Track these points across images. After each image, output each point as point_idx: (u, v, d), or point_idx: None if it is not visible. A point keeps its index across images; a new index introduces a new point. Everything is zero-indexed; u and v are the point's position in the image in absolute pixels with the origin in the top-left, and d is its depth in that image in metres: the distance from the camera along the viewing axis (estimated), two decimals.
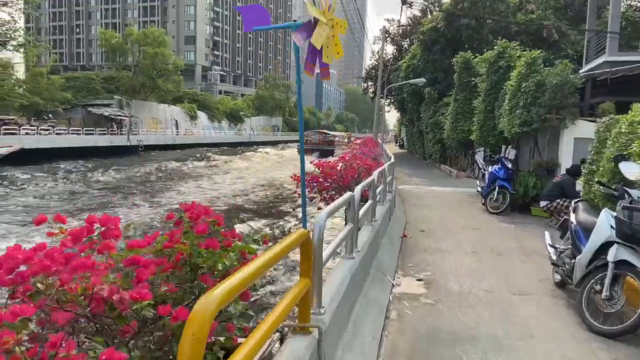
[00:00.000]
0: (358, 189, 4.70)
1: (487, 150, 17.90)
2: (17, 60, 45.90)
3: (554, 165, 10.27)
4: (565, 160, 10.07)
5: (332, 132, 55.84)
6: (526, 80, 10.57)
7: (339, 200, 4.04)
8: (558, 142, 10.50)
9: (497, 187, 10.53)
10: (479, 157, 18.57)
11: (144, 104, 54.78)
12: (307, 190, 7.82)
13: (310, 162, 8.50)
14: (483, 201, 11.76)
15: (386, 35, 37.46)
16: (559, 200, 8.86)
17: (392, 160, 10.53)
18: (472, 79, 16.38)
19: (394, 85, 29.42)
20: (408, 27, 36.79)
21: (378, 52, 35.21)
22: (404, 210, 10.69)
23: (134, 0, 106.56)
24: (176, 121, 60.70)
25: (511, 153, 11.50)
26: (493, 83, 13.47)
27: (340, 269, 3.88)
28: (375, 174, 6.03)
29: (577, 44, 22.92)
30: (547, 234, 5.88)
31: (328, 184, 7.54)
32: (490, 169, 11.47)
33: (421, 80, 21.91)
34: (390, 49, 44.67)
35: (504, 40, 14.05)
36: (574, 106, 10.11)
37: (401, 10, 37.50)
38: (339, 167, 7.99)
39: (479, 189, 11.90)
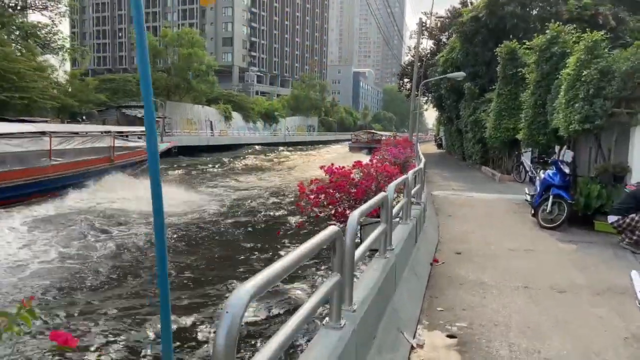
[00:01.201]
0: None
1: (535, 151, 15.93)
2: (58, 63, 46.63)
3: (623, 170, 8.37)
4: (638, 165, 8.19)
5: (379, 132, 59.83)
6: (587, 67, 8.71)
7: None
8: (628, 143, 8.59)
9: (551, 196, 8.71)
10: (526, 159, 16.63)
11: (178, 105, 54.62)
12: (308, 205, 6.47)
13: (320, 168, 7.06)
14: (533, 212, 9.93)
15: (423, 28, 35.47)
16: (633, 215, 7.03)
17: (422, 164, 8.86)
18: (519, 69, 14.44)
19: (430, 80, 27.50)
20: (447, 20, 34.67)
21: (414, 47, 33.31)
22: (437, 223, 9.03)
23: (174, 3, 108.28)
24: (211, 122, 60.38)
25: (567, 155, 9.64)
26: (544, 73, 11.59)
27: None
28: (391, 188, 4.46)
29: (637, 32, 20.43)
30: (635, 274, 4.16)
31: (338, 198, 6.07)
32: (542, 174, 9.65)
33: (460, 74, 20.01)
34: (427, 44, 42.62)
35: (557, 23, 12.11)
36: None
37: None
38: (353, 176, 6.50)
39: (528, 197, 10.08)
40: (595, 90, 8.46)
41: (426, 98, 44.50)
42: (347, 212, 6.08)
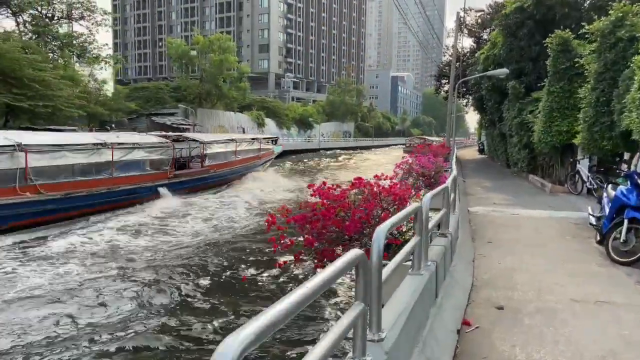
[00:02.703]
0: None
1: (593, 158, 13.55)
2: (89, 71, 46.88)
3: None
4: None
5: (430, 138, 63.40)
6: None
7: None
8: None
9: (626, 221, 6.55)
10: (583, 167, 14.23)
11: (210, 112, 54.07)
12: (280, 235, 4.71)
13: (308, 187, 5.28)
14: (599, 238, 7.76)
15: (463, 25, 33.09)
16: None
17: (451, 180, 6.81)
18: (576, 60, 12.16)
19: (468, 78, 25.19)
20: (488, 16, 32.16)
21: (452, 45, 30.98)
22: (473, 256, 7.00)
23: (212, 12, 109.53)
24: (243, 129, 59.54)
25: None
26: (608, 63, 9.37)
27: None
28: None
29: None
30: None
31: (323, 233, 4.23)
32: (610, 190, 7.47)
33: (503, 71, 17.73)
34: (467, 42, 40.15)
35: (622, 2, 9.83)
36: None
37: None
38: (348, 199, 4.65)
39: (593, 219, 7.90)
40: None
41: (466, 100, 41.92)
42: (338, 251, 4.26)
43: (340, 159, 54.32)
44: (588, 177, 13.82)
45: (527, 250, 7.40)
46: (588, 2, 18.90)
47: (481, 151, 43.74)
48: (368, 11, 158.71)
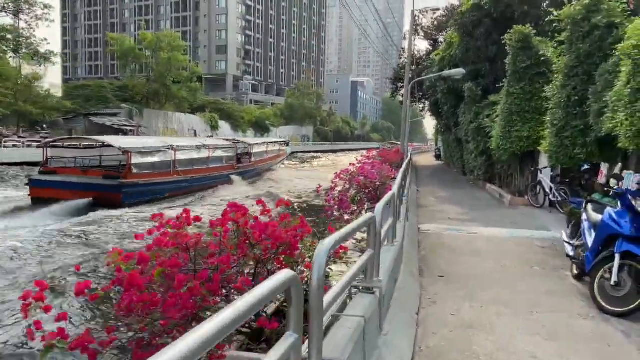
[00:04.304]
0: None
1: (556, 168, 12.17)
2: (39, 70, 43.12)
3: None
4: None
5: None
6: None
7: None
8: None
9: (617, 256, 4.90)
10: (545, 177, 12.84)
11: (158, 113, 51.03)
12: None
13: (152, 218, 3.39)
14: (576, 271, 6.15)
15: (418, 26, 31.91)
16: None
17: (386, 200, 4.93)
18: (541, 54, 10.71)
19: (422, 78, 23.83)
20: (444, 18, 31.06)
21: (407, 46, 29.64)
22: (418, 305, 5.17)
23: (167, 11, 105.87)
24: (195, 131, 56.73)
25: (629, 178, 5.80)
26: (582, 56, 7.84)
27: None
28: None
29: None
30: None
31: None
32: (591, 212, 5.83)
33: (459, 72, 16.27)
34: (423, 45, 39.13)
35: None
36: None
37: None
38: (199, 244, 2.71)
39: (569, 248, 6.24)
40: None
41: (422, 105, 40.86)
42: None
43: (318, 162, 53.63)
44: (551, 188, 12.43)
45: (488, 291, 5.64)
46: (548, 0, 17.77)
47: (438, 157, 42.84)
48: (329, 16, 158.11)
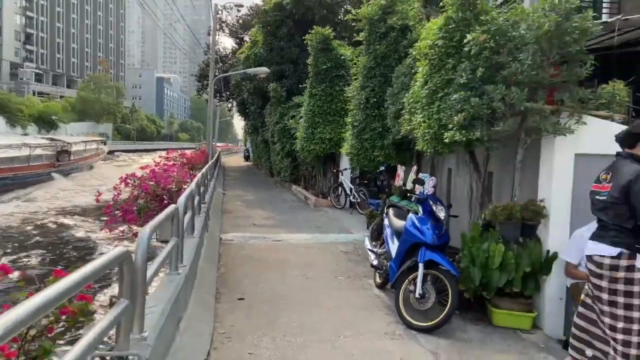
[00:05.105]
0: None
1: (356, 169, 12.44)
2: None
3: (536, 215, 4.68)
4: (559, 201, 4.59)
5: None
6: (465, 31, 4.92)
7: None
8: (535, 163, 4.97)
9: (421, 266, 4.62)
10: (346, 179, 13.09)
11: None
12: None
13: None
14: (379, 280, 5.87)
15: (223, 23, 30.95)
16: None
17: (144, 230, 3.86)
18: (341, 54, 10.68)
19: (227, 74, 23.04)
20: (249, 17, 30.68)
21: (211, 41, 28.40)
22: (209, 344, 4.14)
23: None
24: None
25: (429, 182, 5.71)
26: (379, 57, 7.80)
27: None
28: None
29: None
30: None
31: None
32: (394, 217, 5.58)
33: (263, 70, 15.78)
34: (229, 43, 38.42)
35: None
36: (578, 83, 4.66)
37: None
38: None
39: (372, 257, 5.93)
40: (489, 72, 4.66)
41: (230, 104, 40.07)
42: None
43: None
44: (351, 189, 12.70)
45: (293, 315, 4.90)
46: (347, 5, 18.51)
47: (247, 158, 42.61)
48: (129, 5, 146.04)
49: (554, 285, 4.63)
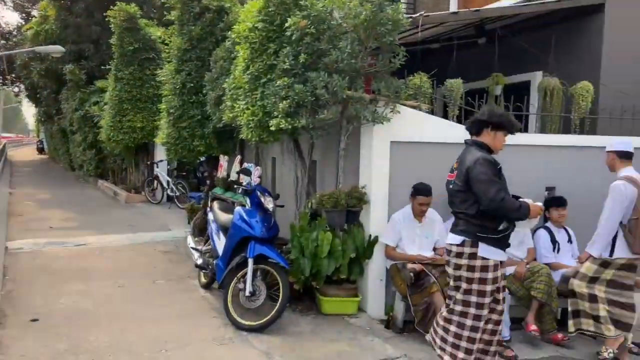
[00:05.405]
0: None
1: (173, 161, 11.66)
2: None
3: (359, 201, 4.78)
4: (378, 187, 4.77)
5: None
6: (285, 15, 4.76)
7: None
8: (358, 151, 5.07)
9: (250, 261, 4.34)
10: (162, 171, 12.19)
11: None
12: None
13: None
14: (204, 279, 5.45)
15: None
16: None
17: None
18: (150, 35, 9.72)
19: (10, 52, 19.57)
20: None
21: None
22: None
23: None
24: None
25: (255, 172, 5.46)
26: (194, 39, 7.24)
27: None
28: None
29: None
30: None
31: None
32: (219, 211, 5.19)
33: (57, 49, 13.56)
34: (13, 18, 32.61)
35: None
36: (391, 72, 4.85)
37: None
38: None
39: (197, 256, 5.45)
40: (311, 58, 4.56)
41: (17, 88, 34.27)
42: None
43: None
44: (168, 182, 11.85)
45: (103, 334, 4.16)
46: None
47: (41, 150, 37.12)
48: None
49: (375, 268, 4.81)
